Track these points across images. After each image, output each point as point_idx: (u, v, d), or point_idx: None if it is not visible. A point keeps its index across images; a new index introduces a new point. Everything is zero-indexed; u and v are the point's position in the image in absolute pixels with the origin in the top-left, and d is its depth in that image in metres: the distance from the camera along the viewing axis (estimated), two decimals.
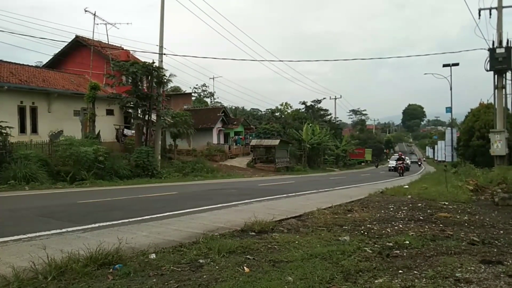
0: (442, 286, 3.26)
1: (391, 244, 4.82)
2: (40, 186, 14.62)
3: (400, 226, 6.10)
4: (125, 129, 27.66)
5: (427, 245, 4.77)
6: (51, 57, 30.01)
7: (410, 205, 8.51)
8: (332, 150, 51.18)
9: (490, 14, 19.79)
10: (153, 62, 23.08)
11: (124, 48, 29.26)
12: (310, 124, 45.82)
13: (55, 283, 3.24)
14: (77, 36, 28.17)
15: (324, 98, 63.69)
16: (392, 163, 41.56)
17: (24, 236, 5.14)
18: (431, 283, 3.33)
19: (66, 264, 3.52)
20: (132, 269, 3.59)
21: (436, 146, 72.46)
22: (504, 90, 19.35)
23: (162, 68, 23.47)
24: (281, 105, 64.24)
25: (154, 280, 3.37)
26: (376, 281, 3.37)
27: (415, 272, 3.67)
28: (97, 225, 6.08)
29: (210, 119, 39.29)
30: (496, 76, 19.07)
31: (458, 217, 6.98)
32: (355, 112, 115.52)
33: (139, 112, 24.02)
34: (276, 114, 56.75)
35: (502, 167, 17.03)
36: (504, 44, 18.69)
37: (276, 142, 35.66)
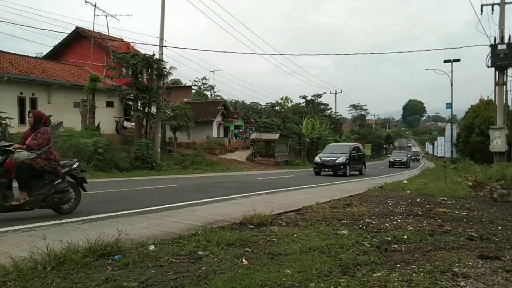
0: (440, 280, 3.27)
1: (389, 238, 4.83)
2: None
3: (399, 220, 6.12)
4: (125, 121, 27.63)
5: (425, 240, 4.79)
6: (51, 48, 29.86)
7: (409, 200, 8.53)
8: None
9: (493, 10, 19.73)
10: (154, 55, 23.00)
11: (125, 40, 29.16)
12: (310, 119, 45.76)
13: (54, 273, 3.25)
14: (77, 28, 28.02)
15: (324, 93, 63.82)
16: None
17: (24, 227, 5.16)
18: (429, 277, 3.35)
19: (65, 255, 3.53)
20: (131, 260, 3.60)
21: (435, 142, 72.48)
22: (505, 86, 19.34)
23: (163, 61, 23.39)
24: (282, 99, 64.31)
25: (153, 271, 3.38)
26: (374, 274, 3.39)
27: (413, 266, 3.68)
28: (96, 216, 6.09)
29: (210, 112, 39.25)
30: (497, 72, 19.04)
31: (456, 212, 7.00)
32: (355, 107, 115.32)
33: (139, 104, 23.97)
34: (276, 108, 56.70)
35: (501, 164, 17.06)
36: (506, 40, 18.64)
37: (276, 136, 35.63)
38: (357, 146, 22.99)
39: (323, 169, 19.58)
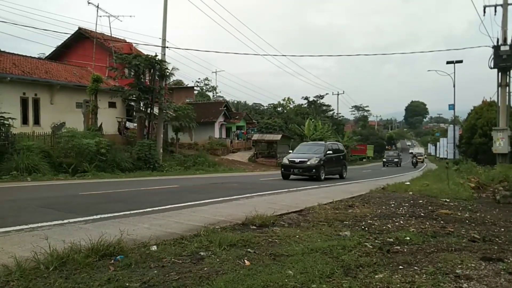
0: (442, 282, 3.26)
1: (391, 240, 4.82)
2: (42, 178, 14.67)
3: (401, 222, 6.11)
4: (127, 122, 27.69)
5: (427, 241, 4.78)
6: (54, 49, 29.97)
7: (411, 201, 8.51)
8: None
9: (495, 11, 19.66)
10: (156, 55, 23.04)
11: (127, 41, 29.22)
12: (312, 120, 45.78)
13: (57, 273, 3.25)
14: (80, 28, 28.11)
15: (326, 94, 63.71)
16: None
17: (26, 227, 5.17)
18: (431, 279, 3.34)
19: (68, 255, 3.54)
20: (134, 260, 3.61)
21: (438, 143, 72.29)
22: (507, 88, 19.29)
23: (165, 61, 23.43)
24: (284, 100, 64.39)
25: (155, 271, 3.38)
26: (376, 276, 3.38)
27: (416, 268, 3.67)
28: (98, 216, 6.10)
29: (212, 113, 39.31)
30: (499, 73, 18.99)
31: (459, 214, 6.98)
32: (357, 108, 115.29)
33: (142, 105, 24.03)
34: (278, 109, 56.82)
35: (504, 165, 17.01)
36: (509, 41, 18.59)
37: (278, 137, 35.67)
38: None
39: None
